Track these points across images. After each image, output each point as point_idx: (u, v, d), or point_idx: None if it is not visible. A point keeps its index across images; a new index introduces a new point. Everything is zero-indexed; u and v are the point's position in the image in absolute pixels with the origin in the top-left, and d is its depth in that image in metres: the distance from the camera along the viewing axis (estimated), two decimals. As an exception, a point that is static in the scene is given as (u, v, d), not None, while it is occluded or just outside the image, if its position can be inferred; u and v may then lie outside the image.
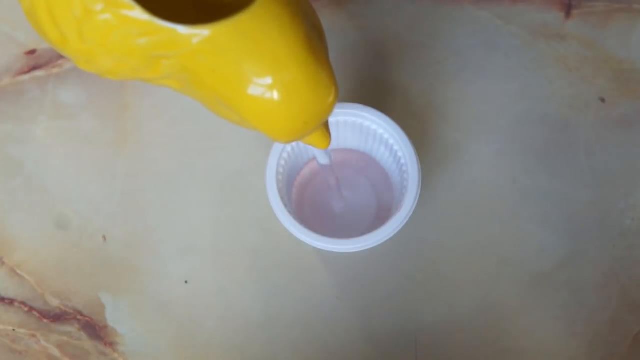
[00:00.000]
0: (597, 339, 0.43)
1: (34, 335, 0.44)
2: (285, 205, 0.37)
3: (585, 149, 0.44)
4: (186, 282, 0.44)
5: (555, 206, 0.44)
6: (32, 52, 0.45)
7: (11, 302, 0.44)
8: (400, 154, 0.37)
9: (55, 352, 0.43)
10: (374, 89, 0.45)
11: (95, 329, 0.44)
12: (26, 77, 0.45)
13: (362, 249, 0.36)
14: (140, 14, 0.22)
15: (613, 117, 0.44)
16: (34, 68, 0.45)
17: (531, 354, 0.43)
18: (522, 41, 0.45)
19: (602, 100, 0.44)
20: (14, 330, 0.44)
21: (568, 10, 0.45)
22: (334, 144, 0.41)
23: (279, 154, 0.37)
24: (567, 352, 0.43)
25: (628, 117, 0.44)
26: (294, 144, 0.38)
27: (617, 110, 0.44)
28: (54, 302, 0.44)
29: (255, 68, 0.24)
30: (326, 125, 0.30)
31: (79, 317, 0.44)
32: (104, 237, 0.44)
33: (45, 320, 0.44)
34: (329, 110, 0.26)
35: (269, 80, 0.24)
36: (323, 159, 0.34)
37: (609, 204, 0.44)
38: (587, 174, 0.44)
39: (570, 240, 0.44)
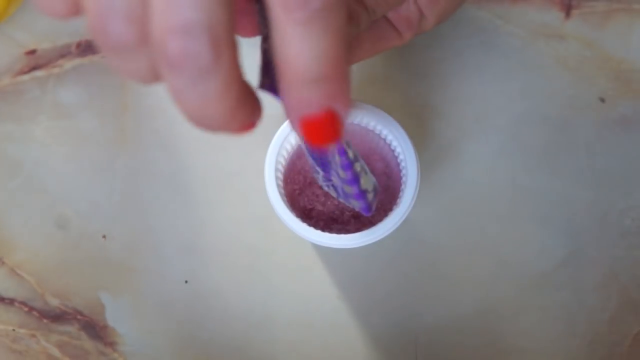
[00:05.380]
0: (597, 339, 0.43)
1: (34, 335, 0.44)
2: (285, 203, 0.37)
3: (585, 149, 0.44)
4: (186, 282, 0.44)
5: (555, 206, 0.44)
6: (32, 52, 0.45)
7: (11, 302, 0.44)
8: (399, 150, 0.37)
9: (55, 352, 0.43)
10: (374, 89, 0.45)
11: (95, 329, 0.44)
12: (26, 77, 0.45)
13: (361, 245, 0.36)
14: None
15: (613, 117, 0.44)
16: (34, 68, 0.45)
17: (531, 354, 0.43)
18: (521, 41, 0.45)
19: (602, 100, 0.44)
20: (14, 330, 0.44)
21: (568, 10, 0.45)
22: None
23: (277, 151, 0.37)
24: (567, 352, 0.43)
25: (628, 117, 0.44)
26: (292, 140, 0.38)
27: (617, 110, 0.44)
28: (54, 302, 0.44)
29: None
30: None
31: (79, 317, 0.44)
32: (104, 237, 0.44)
33: (45, 320, 0.44)
34: None
35: None
36: None
37: (609, 204, 0.44)
38: (587, 174, 0.44)
39: (570, 240, 0.44)
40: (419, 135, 0.44)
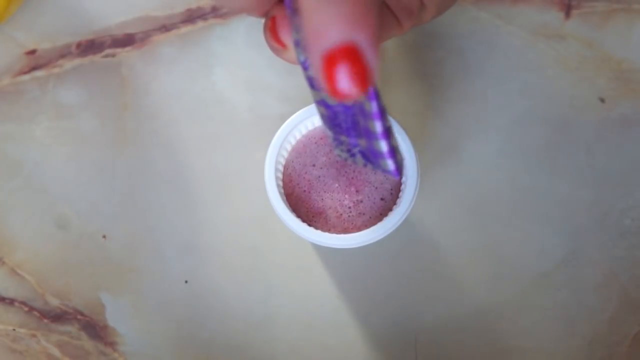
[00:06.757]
0: (597, 339, 0.43)
1: (34, 335, 0.44)
2: (285, 203, 0.37)
3: (585, 149, 0.44)
4: (186, 282, 0.44)
5: (555, 206, 0.44)
6: (32, 52, 0.45)
7: (11, 302, 0.44)
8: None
9: (56, 352, 0.44)
10: (374, 89, 0.45)
11: (96, 329, 0.44)
12: (26, 77, 0.45)
13: (361, 245, 0.36)
14: None
15: (613, 117, 0.44)
16: (34, 68, 0.45)
17: (531, 354, 0.43)
18: (522, 41, 0.45)
19: (602, 100, 0.44)
20: (14, 330, 0.44)
21: (568, 10, 0.45)
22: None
23: (277, 151, 0.37)
24: (567, 352, 0.43)
25: (628, 117, 0.44)
26: (292, 140, 0.38)
27: (617, 110, 0.44)
28: (54, 302, 0.44)
29: None
30: None
31: (79, 317, 0.44)
32: (104, 237, 0.44)
33: (45, 320, 0.44)
34: None
35: None
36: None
37: (609, 204, 0.44)
38: (587, 174, 0.44)
39: (570, 240, 0.44)
40: (419, 135, 0.44)
